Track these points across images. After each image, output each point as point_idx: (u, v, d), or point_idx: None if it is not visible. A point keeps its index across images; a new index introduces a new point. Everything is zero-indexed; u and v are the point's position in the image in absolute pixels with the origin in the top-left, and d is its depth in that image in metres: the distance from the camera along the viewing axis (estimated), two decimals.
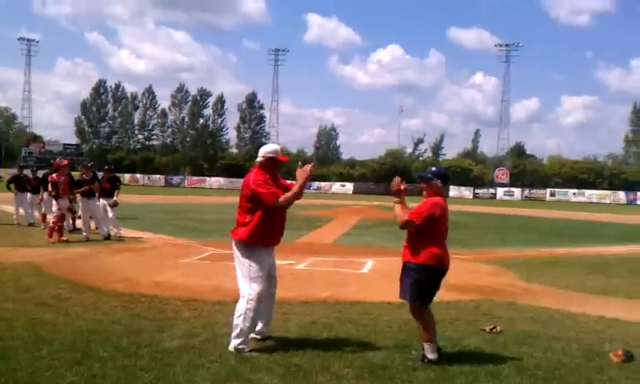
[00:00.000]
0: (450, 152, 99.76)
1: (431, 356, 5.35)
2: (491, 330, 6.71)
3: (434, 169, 5.85)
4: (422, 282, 5.46)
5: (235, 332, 5.66)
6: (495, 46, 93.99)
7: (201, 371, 5.01)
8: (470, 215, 30.97)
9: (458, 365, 5.33)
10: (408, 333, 6.43)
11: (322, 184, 77.54)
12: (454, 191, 73.06)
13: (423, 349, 5.44)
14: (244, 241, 5.77)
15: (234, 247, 5.92)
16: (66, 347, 5.50)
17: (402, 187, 5.62)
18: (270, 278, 6.00)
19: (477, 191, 75.18)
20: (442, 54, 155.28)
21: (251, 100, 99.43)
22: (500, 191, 75.76)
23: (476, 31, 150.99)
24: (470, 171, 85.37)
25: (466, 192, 74.27)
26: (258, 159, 5.97)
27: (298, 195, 5.78)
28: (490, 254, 14.64)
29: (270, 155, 5.99)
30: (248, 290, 5.76)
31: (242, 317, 5.68)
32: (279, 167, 6.10)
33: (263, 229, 5.74)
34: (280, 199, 5.69)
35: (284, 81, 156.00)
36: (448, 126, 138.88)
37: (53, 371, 4.85)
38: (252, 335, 5.92)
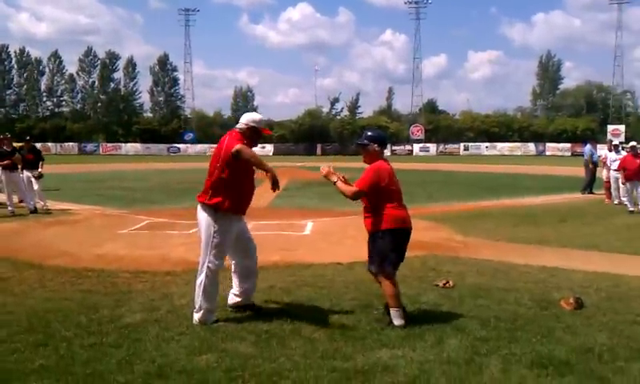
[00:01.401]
0: (366, 110, 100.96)
1: (398, 322, 5.40)
2: (444, 284, 6.93)
3: (369, 133, 5.75)
4: (391, 248, 5.50)
5: (195, 306, 5.58)
6: (405, 3, 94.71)
7: (172, 344, 4.95)
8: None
9: (423, 322, 5.48)
10: (365, 292, 6.57)
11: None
12: None
13: (388, 313, 5.49)
14: (213, 206, 5.55)
15: (201, 212, 5.67)
16: (25, 329, 5.31)
17: (330, 172, 5.63)
18: (244, 249, 5.87)
19: (394, 148, 76.48)
20: (352, 12, 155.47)
21: (163, 62, 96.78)
22: (416, 147, 77.50)
23: None
24: (387, 129, 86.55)
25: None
26: (239, 125, 5.74)
27: (260, 164, 5.50)
28: (421, 210, 14.93)
29: (252, 125, 5.74)
30: (206, 261, 5.61)
31: (201, 290, 5.58)
32: (258, 138, 5.86)
33: (234, 195, 5.55)
34: (247, 150, 5.43)
35: (195, 42, 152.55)
36: (361, 85, 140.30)
37: (18, 355, 4.67)
38: (231, 302, 5.92)
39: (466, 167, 39.87)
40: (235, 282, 5.96)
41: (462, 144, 78.25)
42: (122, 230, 11.50)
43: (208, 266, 5.59)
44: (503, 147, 75.35)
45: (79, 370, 4.40)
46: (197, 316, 5.55)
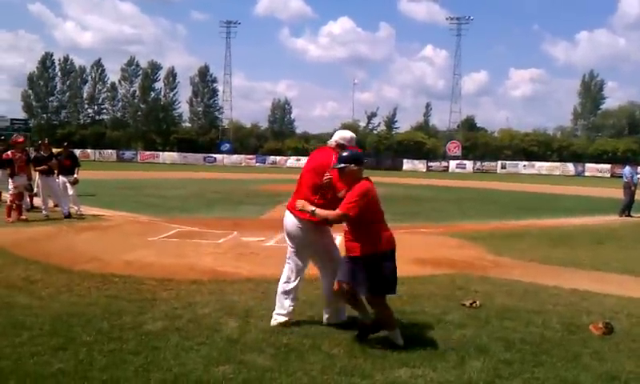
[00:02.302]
0: (403, 125, 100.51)
1: (399, 341, 5.28)
2: (471, 304, 6.79)
3: (344, 154, 5.55)
4: (383, 271, 5.28)
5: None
6: (446, 19, 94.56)
7: (190, 354, 4.93)
8: (427, 188, 31.38)
9: (446, 341, 5.37)
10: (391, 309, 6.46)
11: (277, 158, 77.45)
12: (407, 164, 73.98)
13: (362, 336, 5.40)
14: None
15: (298, 222, 5.79)
16: (47, 332, 5.35)
17: (304, 204, 5.51)
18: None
19: (430, 164, 76.10)
20: (393, 27, 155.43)
21: (204, 73, 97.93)
22: (452, 164, 76.88)
23: (426, 4, 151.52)
24: (423, 144, 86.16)
25: (420, 165, 75.25)
26: (331, 142, 5.92)
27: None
28: (454, 228, 14.82)
29: (341, 142, 5.86)
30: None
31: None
32: None
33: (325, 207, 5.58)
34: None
35: (236, 54, 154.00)
36: (400, 99, 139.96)
37: (38, 358, 4.70)
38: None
39: (502, 185, 39.31)
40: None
41: (499, 162, 77.31)
42: (153, 237, 11.57)
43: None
44: (541, 166, 74.20)
45: (96, 376, 4.41)
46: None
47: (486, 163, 77.19)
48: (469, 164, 77.07)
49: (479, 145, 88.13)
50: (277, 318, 5.82)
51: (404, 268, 8.53)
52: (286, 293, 5.88)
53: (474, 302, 6.85)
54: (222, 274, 8.29)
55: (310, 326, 5.76)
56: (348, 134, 6.00)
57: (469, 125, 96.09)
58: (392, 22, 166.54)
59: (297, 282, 5.95)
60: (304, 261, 5.99)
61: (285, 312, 5.83)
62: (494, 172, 72.89)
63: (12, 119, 79.43)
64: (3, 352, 4.80)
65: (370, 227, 5.30)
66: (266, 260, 9.25)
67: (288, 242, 5.99)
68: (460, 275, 8.60)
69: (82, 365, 4.61)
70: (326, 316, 5.94)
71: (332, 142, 5.90)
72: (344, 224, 5.42)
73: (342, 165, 5.41)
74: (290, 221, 5.85)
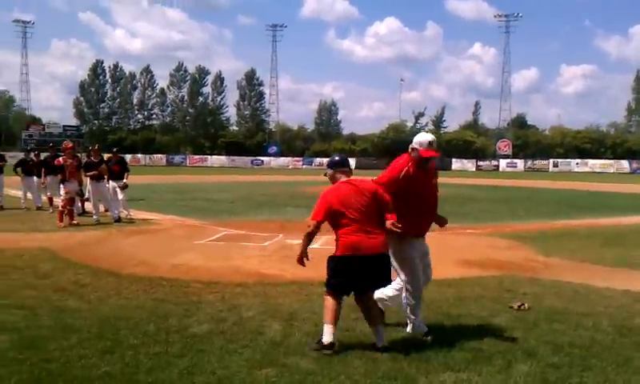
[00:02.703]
0: (452, 124, 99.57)
1: (323, 338, 5.15)
2: (519, 307, 6.64)
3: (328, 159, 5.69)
4: (332, 271, 5.36)
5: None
6: (495, 16, 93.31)
7: (234, 357, 4.95)
8: (476, 188, 30.95)
9: (493, 344, 5.27)
10: (436, 312, 6.40)
11: (324, 160, 77.38)
12: (456, 164, 73.05)
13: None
14: None
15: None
16: (95, 335, 5.45)
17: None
18: None
19: (479, 163, 75.08)
20: (440, 25, 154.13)
21: (250, 77, 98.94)
22: (503, 163, 75.68)
23: (474, 1, 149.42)
24: (472, 143, 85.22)
25: (469, 164, 74.27)
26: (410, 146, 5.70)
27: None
28: (503, 228, 14.55)
29: (414, 146, 5.60)
30: None
31: None
32: (421, 160, 5.57)
33: None
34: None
35: (282, 57, 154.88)
36: (448, 99, 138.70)
37: (85, 360, 4.79)
38: None
39: (554, 184, 38.52)
40: None
41: (551, 160, 75.83)
42: (200, 240, 11.69)
43: None
44: (595, 164, 72.42)
45: (142, 378, 4.47)
46: None
47: (537, 162, 75.77)
48: (520, 163, 75.76)
49: (530, 143, 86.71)
50: None
51: (450, 270, 8.46)
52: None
53: (523, 304, 6.70)
54: (267, 277, 8.33)
55: (355, 329, 5.71)
56: (422, 137, 5.67)
57: (519, 123, 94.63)
58: (439, 21, 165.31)
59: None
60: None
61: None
62: (546, 170, 71.53)
63: (65, 126, 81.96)
64: (52, 355, 4.90)
65: (337, 232, 5.31)
66: (310, 262, 9.12)
67: None
68: (508, 277, 8.42)
69: (128, 367, 4.68)
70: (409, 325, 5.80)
71: (410, 146, 5.65)
72: None
73: (325, 173, 5.59)
74: None
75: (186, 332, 5.61)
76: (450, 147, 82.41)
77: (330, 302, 5.30)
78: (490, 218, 17.35)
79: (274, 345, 5.26)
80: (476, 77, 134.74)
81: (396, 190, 5.48)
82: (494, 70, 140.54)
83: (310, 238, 5.40)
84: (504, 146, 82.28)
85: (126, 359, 4.84)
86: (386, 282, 5.47)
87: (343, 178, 5.49)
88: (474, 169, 73.00)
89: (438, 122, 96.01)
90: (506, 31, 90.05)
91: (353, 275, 5.24)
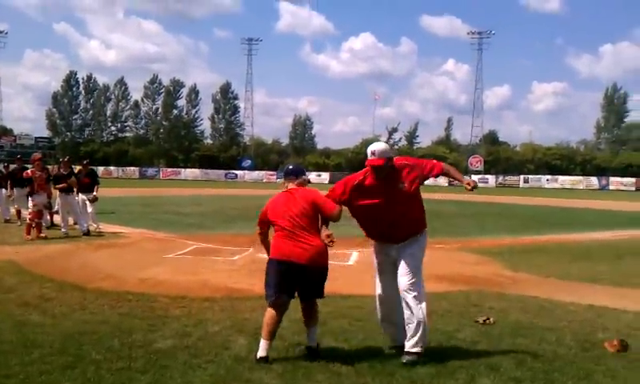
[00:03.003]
0: (425, 140, 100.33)
1: (258, 352, 5.24)
2: (484, 321, 6.71)
3: None
4: (266, 276, 5.47)
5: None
6: (467, 34, 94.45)
7: (198, 372, 4.92)
8: (447, 203, 31.10)
9: (457, 359, 5.31)
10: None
11: None
12: (429, 180, 73.33)
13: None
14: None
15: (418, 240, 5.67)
16: (57, 350, 5.37)
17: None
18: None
19: (451, 179, 75.50)
20: (414, 42, 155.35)
21: (225, 90, 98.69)
22: (474, 178, 76.20)
23: (448, 18, 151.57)
24: (445, 159, 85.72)
25: (441, 180, 74.01)
26: None
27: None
28: (472, 243, 14.68)
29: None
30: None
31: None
32: (374, 172, 5.51)
33: None
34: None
35: (257, 70, 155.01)
36: (422, 114, 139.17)
37: (46, 376, 4.72)
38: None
39: (524, 200, 39.04)
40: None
41: (522, 176, 76.84)
42: (169, 254, 11.61)
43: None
44: (565, 180, 73.59)
45: None
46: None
47: (508, 178, 76.70)
48: (491, 178, 76.55)
49: (501, 159, 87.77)
50: None
51: None
52: None
53: (488, 318, 6.77)
54: (235, 291, 8.31)
55: (320, 344, 5.69)
56: (369, 147, 5.61)
57: (491, 139, 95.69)
58: (413, 37, 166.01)
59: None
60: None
61: None
62: (517, 186, 72.38)
63: (37, 137, 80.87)
64: (12, 370, 4.82)
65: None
66: None
67: None
68: (475, 291, 8.50)
69: (89, 383, 4.62)
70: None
71: None
72: None
73: None
74: None
75: (150, 347, 5.56)
76: None
77: (267, 314, 5.38)
78: (459, 232, 17.50)
79: (239, 360, 5.24)
80: (449, 93, 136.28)
81: (351, 200, 5.62)
82: (466, 87, 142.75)
83: (261, 241, 5.77)
84: (476, 162, 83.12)
85: (88, 375, 4.77)
86: (317, 292, 5.56)
87: (290, 186, 5.60)
88: (446, 184, 73.29)
89: (411, 138, 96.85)
90: (479, 48, 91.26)
91: (280, 280, 5.31)
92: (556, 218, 25.04)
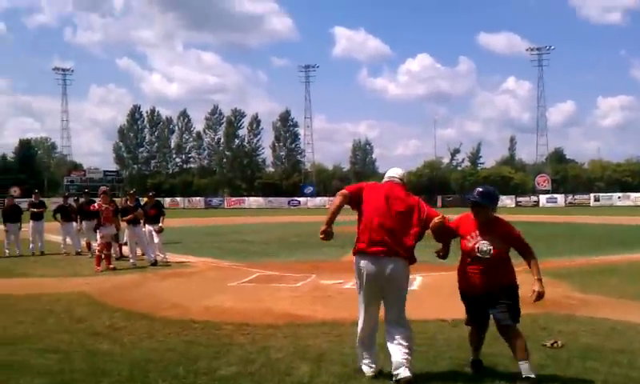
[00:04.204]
0: (488, 160, 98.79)
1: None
2: (552, 344, 6.53)
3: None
4: None
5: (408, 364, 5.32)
6: (526, 50, 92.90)
7: None
8: (514, 224, 30.40)
9: None
10: (467, 351, 6.27)
11: None
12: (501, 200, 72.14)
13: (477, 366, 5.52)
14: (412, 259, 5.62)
15: (403, 268, 5.56)
16: (125, 378, 5.51)
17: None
18: None
19: (519, 199, 73.97)
20: (472, 60, 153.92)
21: (285, 118, 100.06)
22: (542, 198, 74.50)
23: (505, 35, 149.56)
24: (510, 179, 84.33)
25: (508, 201, 73.01)
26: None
27: None
28: (543, 265, 14.21)
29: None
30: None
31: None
32: None
33: None
34: None
35: (316, 96, 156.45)
36: (484, 134, 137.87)
37: None
38: None
39: (595, 219, 37.75)
40: None
41: (592, 194, 74.39)
42: (233, 282, 11.76)
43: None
44: (638, 197, 70.81)
45: None
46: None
47: (578, 196, 74.38)
48: (560, 198, 74.47)
49: (569, 178, 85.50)
50: None
51: None
52: None
53: (556, 341, 6.58)
54: (298, 318, 8.32)
55: (382, 370, 5.64)
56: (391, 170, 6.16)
57: (557, 157, 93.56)
58: (471, 56, 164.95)
59: None
60: None
61: None
62: (587, 205, 70.07)
63: (105, 171, 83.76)
64: None
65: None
66: (342, 303, 9.18)
67: None
68: (543, 314, 8.24)
69: None
70: None
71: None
72: None
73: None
74: None
75: (214, 374, 5.63)
76: (488, 183, 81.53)
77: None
78: None
79: None
80: (511, 111, 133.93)
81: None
82: (529, 104, 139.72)
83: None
84: (543, 181, 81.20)
85: None
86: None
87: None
88: (513, 205, 71.99)
89: (475, 159, 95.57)
90: (539, 64, 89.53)
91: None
92: (628, 236, 24.14)
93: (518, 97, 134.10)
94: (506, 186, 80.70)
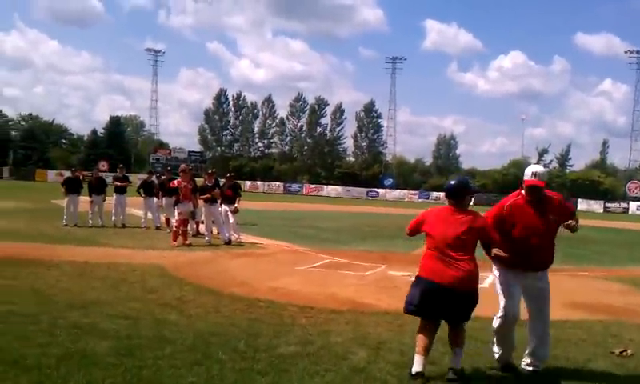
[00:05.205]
0: (578, 163, 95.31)
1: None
2: (621, 353, 6.30)
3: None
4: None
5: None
6: (625, 52, 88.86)
7: (315, 378, 5.03)
8: (599, 230, 29.33)
9: None
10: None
11: (441, 194, 76.31)
12: (582, 204, 69.63)
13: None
14: None
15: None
16: (187, 348, 5.70)
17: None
18: None
19: (607, 205, 71.06)
20: (567, 60, 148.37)
21: (369, 109, 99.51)
22: (633, 205, 71.15)
23: (604, 36, 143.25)
24: (600, 184, 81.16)
25: (596, 206, 70.30)
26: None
27: None
28: (621, 272, 13.79)
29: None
30: None
31: None
32: (532, 194, 5.59)
33: None
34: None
35: (401, 89, 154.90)
36: (575, 136, 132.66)
37: (174, 370, 5.03)
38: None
39: None
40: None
41: None
42: (302, 266, 11.91)
43: None
44: None
45: None
46: None
47: None
48: None
49: None
50: None
51: (554, 311, 8.10)
52: None
53: (625, 350, 6.35)
54: (361, 306, 8.35)
55: (440, 361, 5.61)
56: (528, 168, 5.72)
57: None
58: (567, 56, 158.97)
59: None
60: None
61: None
62: None
63: (189, 151, 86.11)
64: (146, 363, 5.18)
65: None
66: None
67: None
68: (615, 322, 7.97)
69: (212, 380, 4.87)
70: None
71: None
72: None
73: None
74: None
75: (273, 351, 5.75)
76: (576, 187, 78.96)
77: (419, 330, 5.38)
78: (607, 261, 16.48)
79: (357, 371, 5.28)
80: (606, 114, 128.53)
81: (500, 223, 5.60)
82: (625, 108, 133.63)
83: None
84: (634, 188, 77.54)
85: (212, 372, 5.03)
86: (464, 316, 5.38)
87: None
88: (601, 210, 69.26)
89: (563, 160, 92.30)
90: (638, 68, 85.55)
91: (427, 300, 5.24)
92: None
93: (613, 100, 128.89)
94: (595, 191, 77.65)
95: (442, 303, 5.19)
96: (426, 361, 5.17)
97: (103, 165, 62.64)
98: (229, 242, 15.05)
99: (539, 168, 5.63)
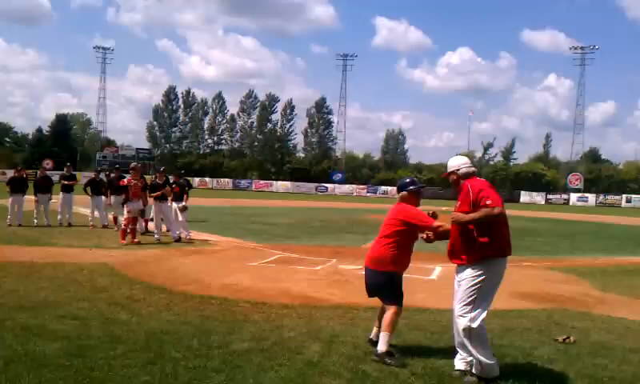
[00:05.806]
0: (522, 157, 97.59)
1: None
2: (564, 340, 6.53)
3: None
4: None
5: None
6: (570, 48, 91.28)
7: (270, 374, 5.08)
8: (541, 221, 30.23)
9: (529, 376, 5.21)
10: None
11: (389, 189, 77.09)
12: (525, 197, 71.56)
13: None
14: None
15: None
16: (140, 347, 5.67)
17: None
18: None
19: (549, 197, 73.12)
20: (513, 56, 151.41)
21: (320, 105, 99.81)
22: (573, 197, 73.41)
23: (550, 33, 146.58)
24: (542, 176, 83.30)
25: (538, 197, 72.41)
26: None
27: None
28: (564, 262, 14.22)
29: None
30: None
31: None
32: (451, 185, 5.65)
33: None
34: None
35: (352, 85, 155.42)
36: (520, 130, 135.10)
37: (127, 370, 5.01)
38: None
39: (625, 220, 37.17)
40: None
41: (624, 195, 73.12)
42: (254, 262, 11.90)
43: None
44: None
45: None
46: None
47: (609, 197, 73.20)
48: (591, 197, 73.27)
49: (603, 178, 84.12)
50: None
51: (500, 301, 8.35)
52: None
53: (568, 337, 6.59)
54: (314, 300, 8.43)
55: (391, 354, 5.72)
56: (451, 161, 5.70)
57: (592, 157, 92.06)
58: (513, 52, 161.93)
59: None
60: None
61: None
62: (619, 206, 68.97)
63: (137, 149, 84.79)
64: (97, 363, 5.14)
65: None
66: (360, 288, 9.23)
67: None
68: (558, 310, 8.26)
69: (166, 379, 4.86)
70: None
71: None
72: None
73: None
74: None
75: (227, 348, 5.77)
76: (519, 179, 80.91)
77: None
78: (551, 251, 16.98)
79: (311, 365, 5.36)
80: (550, 109, 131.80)
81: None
82: (568, 103, 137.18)
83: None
84: (575, 180, 79.94)
85: (166, 371, 5.03)
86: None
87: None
88: (543, 202, 71.25)
89: (508, 154, 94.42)
90: (582, 63, 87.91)
91: None
92: None
93: (557, 95, 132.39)
94: (538, 183, 79.78)
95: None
96: (378, 331, 5.82)
97: (48, 163, 61.23)
98: (179, 240, 14.94)
99: (451, 160, 5.65)
